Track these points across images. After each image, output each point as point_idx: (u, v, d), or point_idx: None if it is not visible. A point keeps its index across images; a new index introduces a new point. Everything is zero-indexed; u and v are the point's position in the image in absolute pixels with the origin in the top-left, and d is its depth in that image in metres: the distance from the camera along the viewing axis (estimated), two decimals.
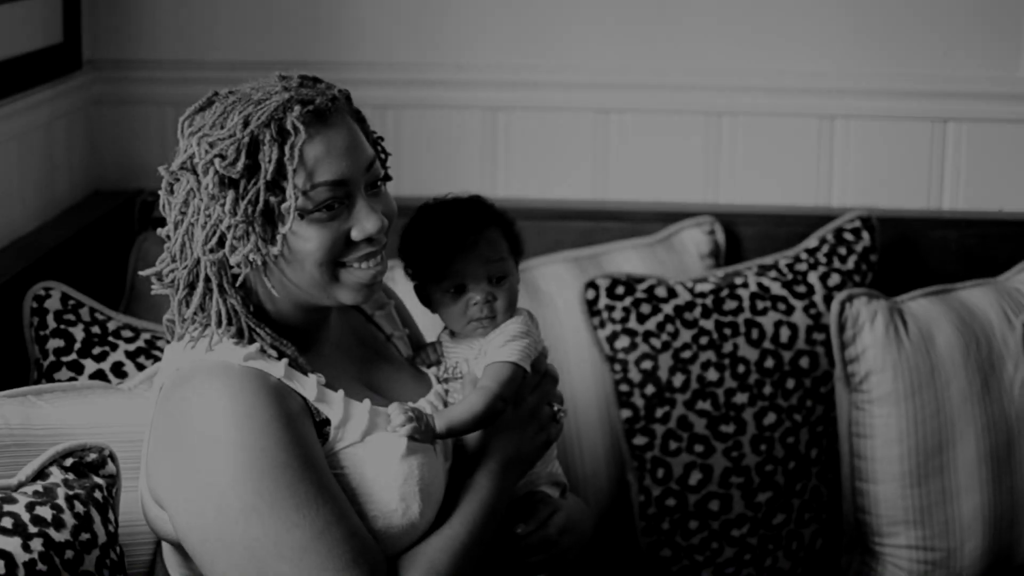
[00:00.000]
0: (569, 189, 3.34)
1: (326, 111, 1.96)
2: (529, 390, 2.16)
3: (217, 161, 1.90)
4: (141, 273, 2.07)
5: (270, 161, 1.91)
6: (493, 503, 2.07)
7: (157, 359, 2.51)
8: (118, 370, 2.53)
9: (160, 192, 2.01)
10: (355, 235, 1.97)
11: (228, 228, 1.91)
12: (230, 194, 1.91)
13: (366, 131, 2.05)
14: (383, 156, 2.10)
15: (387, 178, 2.08)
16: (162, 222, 3.09)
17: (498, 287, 2.15)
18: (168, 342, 2.08)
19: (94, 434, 2.17)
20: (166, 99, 3.32)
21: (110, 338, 2.56)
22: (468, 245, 2.14)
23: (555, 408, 2.21)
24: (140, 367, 2.53)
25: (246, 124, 1.92)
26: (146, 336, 2.58)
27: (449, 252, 2.14)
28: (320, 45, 3.29)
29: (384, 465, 1.97)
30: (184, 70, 3.31)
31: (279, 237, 1.93)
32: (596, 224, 3.21)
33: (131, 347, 2.56)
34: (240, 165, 1.90)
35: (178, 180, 1.97)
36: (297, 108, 1.92)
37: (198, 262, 1.96)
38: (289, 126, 1.92)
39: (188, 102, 3.26)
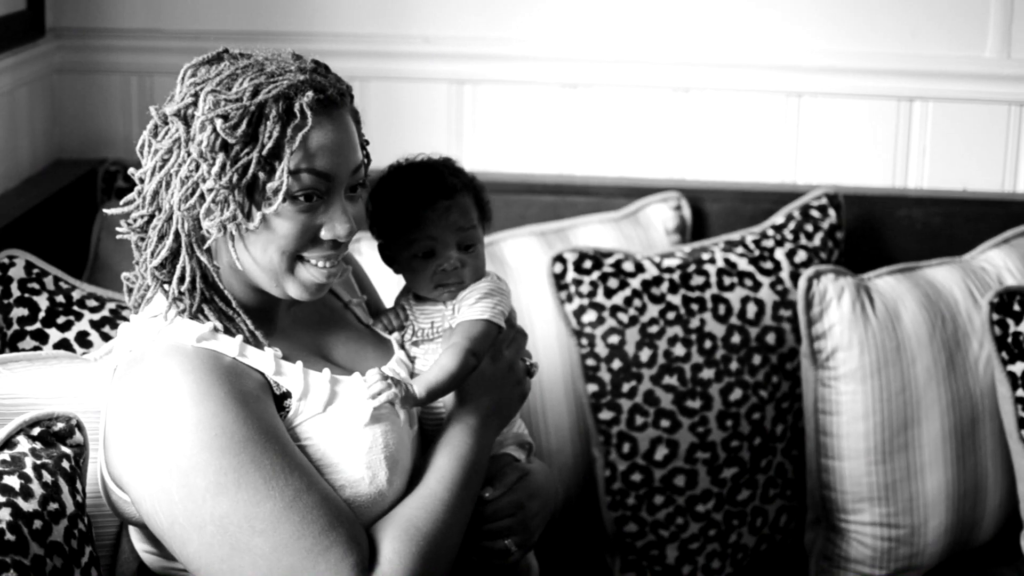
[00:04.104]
0: (535, 163, 3.33)
1: (334, 103, 1.95)
2: (506, 345, 2.17)
3: (219, 121, 1.88)
4: (107, 211, 2.05)
5: (270, 137, 1.89)
6: (473, 459, 2.06)
7: None
8: (83, 339, 2.51)
9: (144, 132, 1.97)
10: (325, 234, 1.96)
11: (210, 190, 1.89)
12: (220, 157, 1.89)
13: (359, 133, 2.03)
14: (367, 162, 2.07)
15: (364, 185, 2.06)
16: (124, 193, 3.11)
17: (467, 253, 2.15)
18: (128, 300, 2.07)
19: (59, 404, 2.15)
20: (130, 68, 3.30)
21: (75, 307, 2.54)
22: (440, 211, 2.14)
23: (528, 363, 2.23)
24: (105, 337, 2.51)
25: (255, 93, 1.89)
26: (111, 306, 2.55)
27: (420, 217, 2.14)
28: (287, 16, 3.27)
29: (348, 434, 1.97)
30: (148, 39, 3.28)
31: (259, 215, 1.91)
32: (562, 198, 3.21)
33: (96, 316, 2.53)
34: (240, 132, 1.88)
35: (167, 125, 1.94)
36: (310, 93, 1.91)
37: (171, 215, 1.94)
38: (297, 109, 1.90)
39: (152, 71, 3.28)
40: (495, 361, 2.15)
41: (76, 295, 2.55)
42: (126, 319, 2.51)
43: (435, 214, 2.14)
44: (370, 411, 1.98)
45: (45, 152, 3.24)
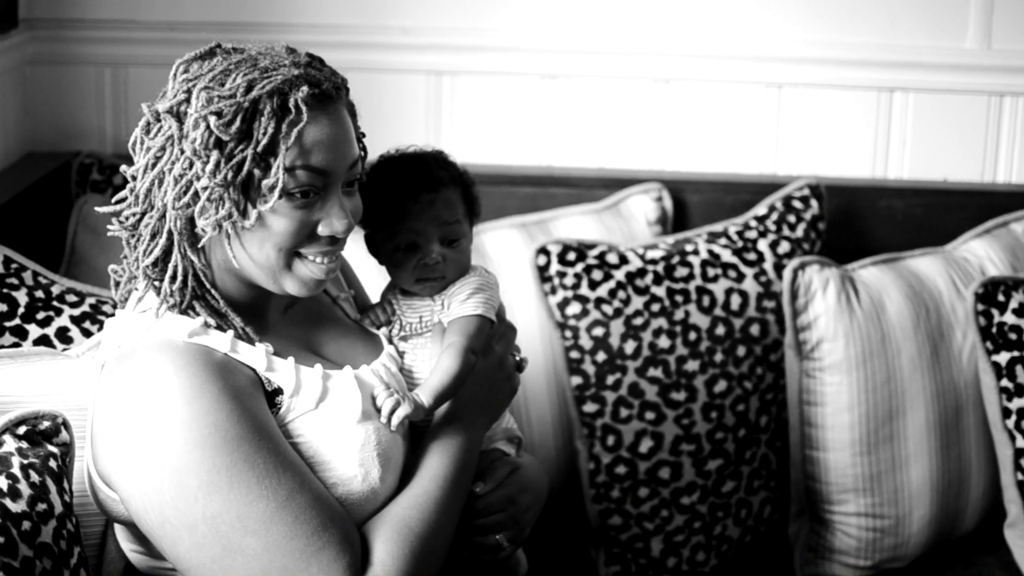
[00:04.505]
0: (515, 154, 3.31)
1: (329, 97, 1.92)
2: (496, 340, 2.16)
3: (212, 118, 1.85)
4: (98, 209, 2.01)
5: (264, 133, 1.86)
6: (465, 456, 2.05)
7: (103, 324, 2.45)
8: (63, 335, 2.47)
9: (136, 129, 1.94)
10: (322, 230, 1.93)
11: (204, 189, 1.86)
12: (214, 154, 1.86)
13: (355, 126, 2.01)
14: (363, 155, 2.05)
15: (361, 179, 2.03)
16: (99, 186, 3.08)
17: (450, 248, 2.13)
18: (113, 297, 2.04)
19: (43, 402, 2.12)
20: (103, 59, 3.25)
21: (54, 303, 2.50)
22: (423, 204, 2.11)
23: (517, 358, 2.22)
24: (86, 332, 2.47)
25: (249, 89, 1.86)
26: (91, 301, 2.52)
27: (403, 210, 2.11)
28: (264, 6, 3.24)
29: (340, 431, 1.94)
30: (122, 30, 3.24)
31: (254, 212, 1.88)
32: (542, 190, 3.19)
33: (76, 312, 2.49)
34: (234, 128, 1.85)
35: (159, 122, 1.91)
36: (304, 88, 1.87)
37: (164, 213, 1.91)
38: (292, 104, 1.87)
39: (126, 62, 3.25)
40: (485, 356, 2.13)
41: (55, 290, 2.52)
42: (107, 314, 2.48)
43: (418, 207, 2.11)
44: (361, 407, 1.96)
45: (17, 145, 3.20)
